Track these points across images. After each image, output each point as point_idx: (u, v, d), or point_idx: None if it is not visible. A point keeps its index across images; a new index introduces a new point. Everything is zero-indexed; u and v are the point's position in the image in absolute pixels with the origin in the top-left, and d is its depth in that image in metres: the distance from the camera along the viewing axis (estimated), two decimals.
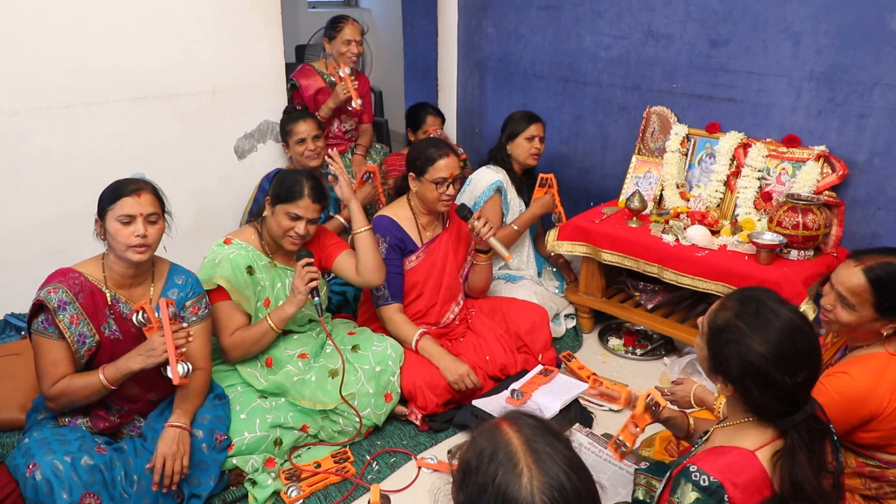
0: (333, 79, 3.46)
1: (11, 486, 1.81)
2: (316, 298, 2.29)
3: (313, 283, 2.25)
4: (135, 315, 1.90)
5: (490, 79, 3.97)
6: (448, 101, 4.22)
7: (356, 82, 3.38)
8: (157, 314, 1.91)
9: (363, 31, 3.51)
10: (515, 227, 3.07)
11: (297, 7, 6.14)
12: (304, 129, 3.00)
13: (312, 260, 2.30)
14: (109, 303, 1.97)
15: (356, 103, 3.30)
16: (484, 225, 2.55)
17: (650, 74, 3.23)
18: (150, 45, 2.75)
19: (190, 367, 1.89)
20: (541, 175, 3.14)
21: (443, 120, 3.69)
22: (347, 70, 3.31)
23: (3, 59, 2.45)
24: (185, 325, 1.94)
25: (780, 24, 2.76)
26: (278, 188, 2.28)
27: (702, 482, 1.27)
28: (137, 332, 1.99)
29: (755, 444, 1.34)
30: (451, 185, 2.55)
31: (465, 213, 2.60)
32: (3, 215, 2.60)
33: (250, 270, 2.29)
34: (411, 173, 2.60)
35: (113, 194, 1.91)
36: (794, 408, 1.32)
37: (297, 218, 2.25)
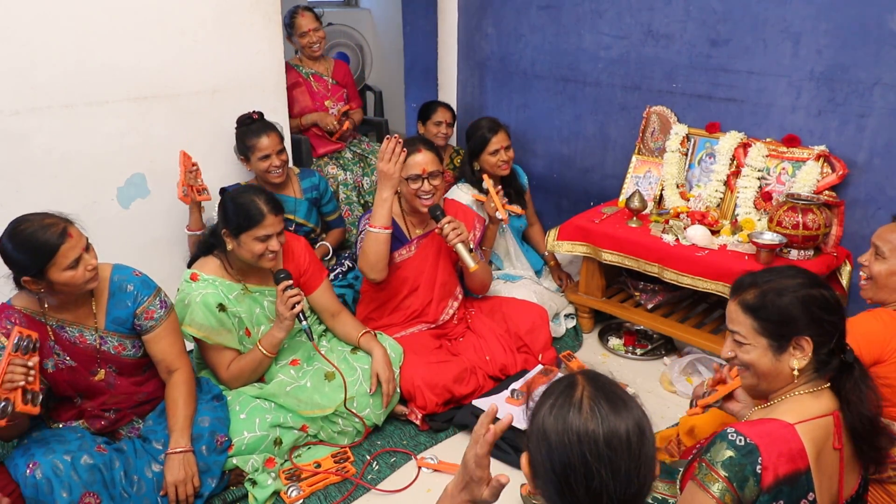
0: (309, 70, 3.58)
1: (11, 487, 1.81)
2: (304, 322, 2.21)
3: (297, 308, 2.18)
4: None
5: (490, 79, 3.97)
6: (448, 101, 4.21)
7: (346, 124, 3.55)
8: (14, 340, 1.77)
9: (318, 16, 3.59)
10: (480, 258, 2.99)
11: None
12: (268, 143, 2.81)
13: (291, 281, 2.21)
14: (52, 333, 1.91)
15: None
16: (452, 230, 2.47)
17: (650, 74, 3.23)
18: (150, 44, 2.75)
19: (32, 396, 1.73)
20: (472, 194, 3.03)
21: (453, 115, 3.71)
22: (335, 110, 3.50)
23: (3, 59, 2.45)
24: (29, 362, 1.74)
25: (780, 24, 2.76)
26: (236, 218, 2.15)
27: (738, 442, 1.29)
28: (94, 351, 1.96)
29: (796, 417, 1.36)
30: (425, 181, 2.51)
31: (436, 213, 2.53)
32: (3, 215, 2.59)
33: (222, 307, 2.21)
34: None
35: (48, 251, 1.76)
36: (843, 336, 1.40)
37: (266, 238, 2.17)
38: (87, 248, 1.87)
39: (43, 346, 1.88)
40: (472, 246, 2.59)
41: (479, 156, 3.12)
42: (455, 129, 3.87)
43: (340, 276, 3.11)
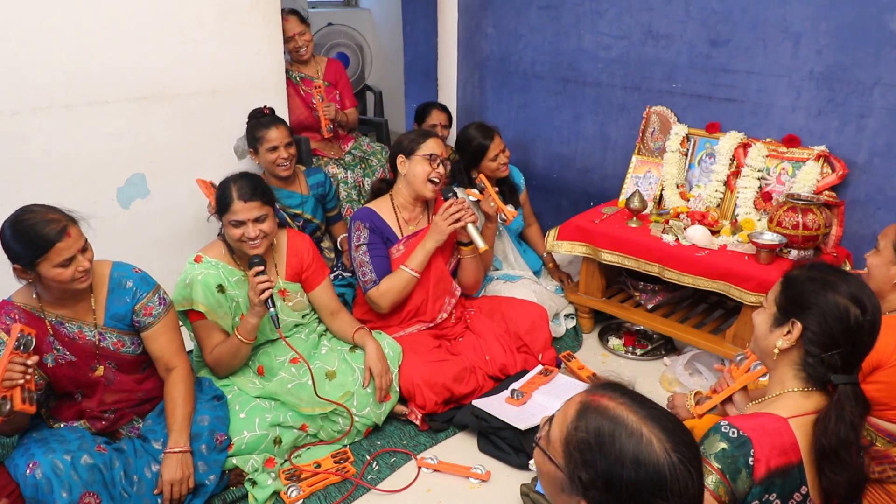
0: (298, 74, 3.55)
1: (11, 487, 1.81)
2: (272, 309, 2.16)
3: (266, 294, 2.15)
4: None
5: (490, 79, 3.97)
6: (448, 101, 4.22)
7: (329, 107, 3.46)
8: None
9: (304, 19, 3.54)
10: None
11: (297, 7, 6.13)
12: (277, 136, 2.87)
13: (263, 268, 2.20)
14: (51, 329, 1.92)
15: (325, 130, 3.40)
16: (461, 209, 2.53)
17: (650, 74, 3.23)
18: (150, 45, 2.75)
19: (30, 395, 1.73)
20: (466, 190, 2.97)
21: (449, 116, 3.71)
22: (319, 98, 3.39)
23: (3, 59, 2.45)
24: (28, 361, 1.74)
25: (780, 24, 2.76)
26: (217, 202, 2.25)
27: (731, 434, 1.30)
28: (93, 347, 1.97)
29: (789, 412, 1.36)
30: (441, 164, 2.58)
31: (447, 195, 2.62)
32: (3, 215, 2.60)
33: (221, 289, 2.26)
34: (400, 156, 2.59)
35: (42, 244, 1.76)
36: (851, 365, 1.38)
37: (240, 223, 2.19)
38: (85, 249, 1.86)
39: (42, 342, 1.88)
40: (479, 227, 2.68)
41: (480, 163, 3.11)
42: (454, 129, 3.87)
43: (340, 276, 3.12)
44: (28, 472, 1.76)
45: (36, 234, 1.77)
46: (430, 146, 2.58)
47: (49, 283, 1.83)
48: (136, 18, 2.70)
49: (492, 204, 2.84)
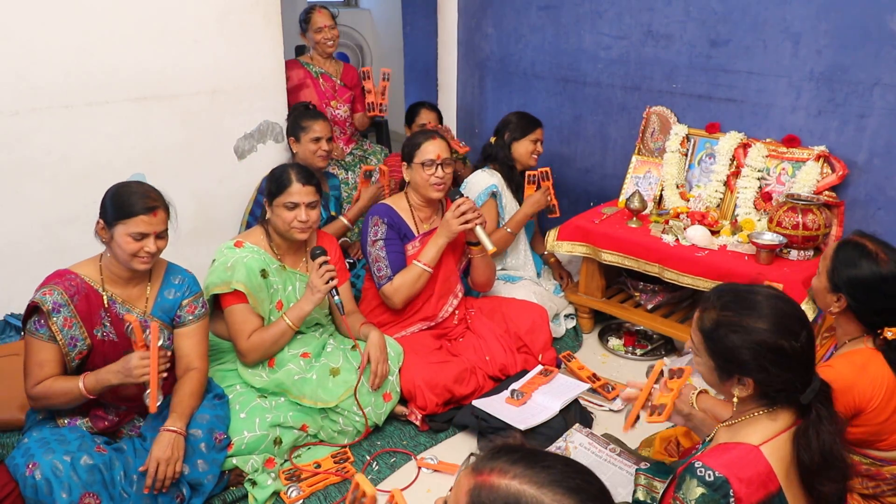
0: (319, 69, 3.63)
1: (11, 486, 1.81)
2: (336, 297, 2.30)
3: (332, 283, 2.27)
4: (126, 325, 1.91)
5: (490, 79, 3.97)
6: (448, 101, 4.22)
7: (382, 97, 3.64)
8: (144, 334, 1.88)
9: (334, 16, 3.66)
10: (508, 230, 3.05)
11: (297, 7, 6.13)
12: (321, 128, 3.02)
13: (329, 258, 2.31)
14: (105, 304, 1.98)
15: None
16: (470, 209, 2.52)
17: (650, 74, 3.23)
18: (150, 45, 2.75)
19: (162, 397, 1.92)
20: (528, 173, 3.10)
21: (439, 116, 3.72)
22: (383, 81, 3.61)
23: (3, 59, 2.45)
24: (168, 353, 1.97)
25: (779, 24, 2.77)
26: (270, 186, 2.34)
27: (707, 477, 1.28)
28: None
29: (760, 438, 1.35)
30: (440, 167, 2.57)
31: (455, 197, 2.61)
32: (3, 215, 2.60)
33: (264, 274, 2.31)
34: (404, 163, 2.65)
35: (128, 210, 1.90)
36: (809, 377, 1.35)
37: (294, 206, 2.28)
38: (161, 235, 1.97)
39: (96, 314, 1.96)
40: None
41: (521, 140, 3.10)
42: (455, 130, 3.87)
43: None
44: (27, 472, 1.76)
45: (129, 200, 1.92)
46: (427, 151, 2.58)
47: (116, 248, 1.93)
48: (136, 18, 2.70)
49: (548, 198, 3.03)
